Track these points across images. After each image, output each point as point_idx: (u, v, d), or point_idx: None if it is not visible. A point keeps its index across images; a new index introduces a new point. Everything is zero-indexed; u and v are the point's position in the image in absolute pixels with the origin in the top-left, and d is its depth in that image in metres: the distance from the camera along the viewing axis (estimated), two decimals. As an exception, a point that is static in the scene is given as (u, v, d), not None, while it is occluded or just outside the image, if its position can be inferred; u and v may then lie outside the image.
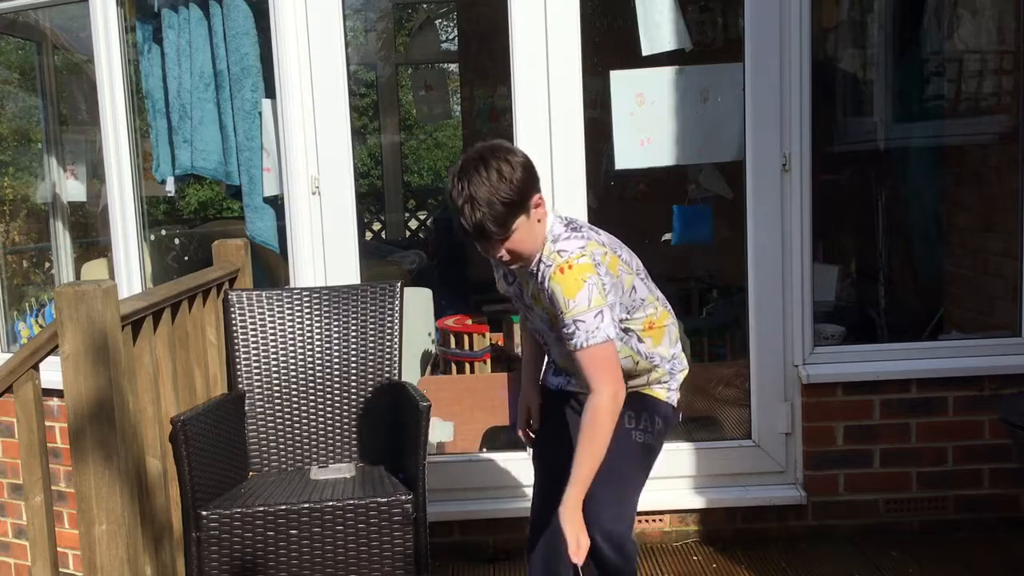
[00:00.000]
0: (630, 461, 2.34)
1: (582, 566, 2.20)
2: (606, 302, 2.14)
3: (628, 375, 2.29)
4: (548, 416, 2.55)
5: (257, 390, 3.05)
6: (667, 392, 2.39)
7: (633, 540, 2.40)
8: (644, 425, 2.34)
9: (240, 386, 3.04)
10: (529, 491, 3.40)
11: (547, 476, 2.53)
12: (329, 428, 3.09)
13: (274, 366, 3.08)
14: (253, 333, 3.07)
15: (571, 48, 3.30)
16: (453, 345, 4.12)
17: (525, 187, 2.11)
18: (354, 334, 3.11)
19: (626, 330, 2.31)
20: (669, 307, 2.44)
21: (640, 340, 2.34)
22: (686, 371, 2.47)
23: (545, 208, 2.19)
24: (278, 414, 3.06)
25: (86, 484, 2.23)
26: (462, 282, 5.87)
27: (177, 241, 5.18)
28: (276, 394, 3.07)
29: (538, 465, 2.60)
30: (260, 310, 3.09)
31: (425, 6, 7.33)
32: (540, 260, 2.20)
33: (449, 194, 2.13)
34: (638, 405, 2.33)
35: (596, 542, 2.31)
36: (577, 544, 2.13)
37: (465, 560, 3.41)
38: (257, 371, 3.06)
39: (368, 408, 3.09)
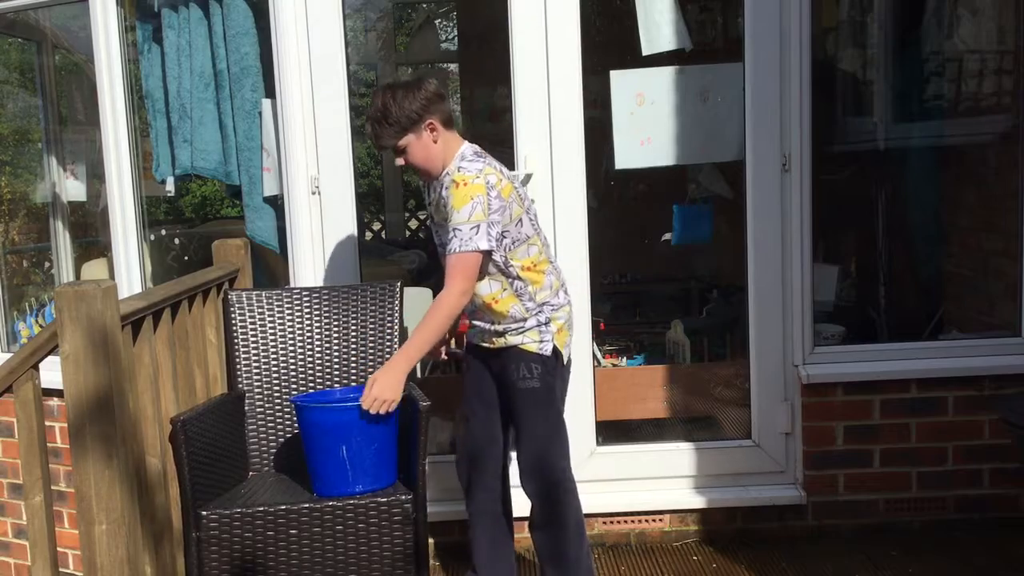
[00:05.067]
0: (528, 406, 2.69)
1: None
2: (487, 218, 2.50)
3: (502, 317, 2.67)
4: (471, 373, 2.89)
5: (257, 390, 3.05)
6: (538, 345, 2.68)
7: (570, 483, 2.70)
8: (523, 373, 2.67)
9: (240, 386, 3.04)
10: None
11: (480, 437, 2.86)
12: (329, 428, 3.09)
13: (274, 366, 3.07)
14: (253, 333, 3.07)
15: (571, 48, 3.31)
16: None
17: (412, 114, 2.56)
18: (354, 334, 3.10)
19: (508, 265, 2.63)
20: (554, 260, 2.79)
21: (519, 278, 2.65)
22: (564, 317, 2.73)
23: (441, 133, 2.60)
24: (278, 414, 3.06)
25: (86, 484, 2.23)
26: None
27: (177, 241, 5.18)
28: (276, 394, 3.07)
29: (466, 425, 2.90)
30: (260, 310, 3.09)
31: (425, 6, 7.32)
32: (446, 172, 2.62)
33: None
34: (516, 359, 2.68)
35: (526, 477, 2.69)
36: (374, 399, 2.53)
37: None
38: (257, 371, 3.06)
39: (368, 408, 3.09)
